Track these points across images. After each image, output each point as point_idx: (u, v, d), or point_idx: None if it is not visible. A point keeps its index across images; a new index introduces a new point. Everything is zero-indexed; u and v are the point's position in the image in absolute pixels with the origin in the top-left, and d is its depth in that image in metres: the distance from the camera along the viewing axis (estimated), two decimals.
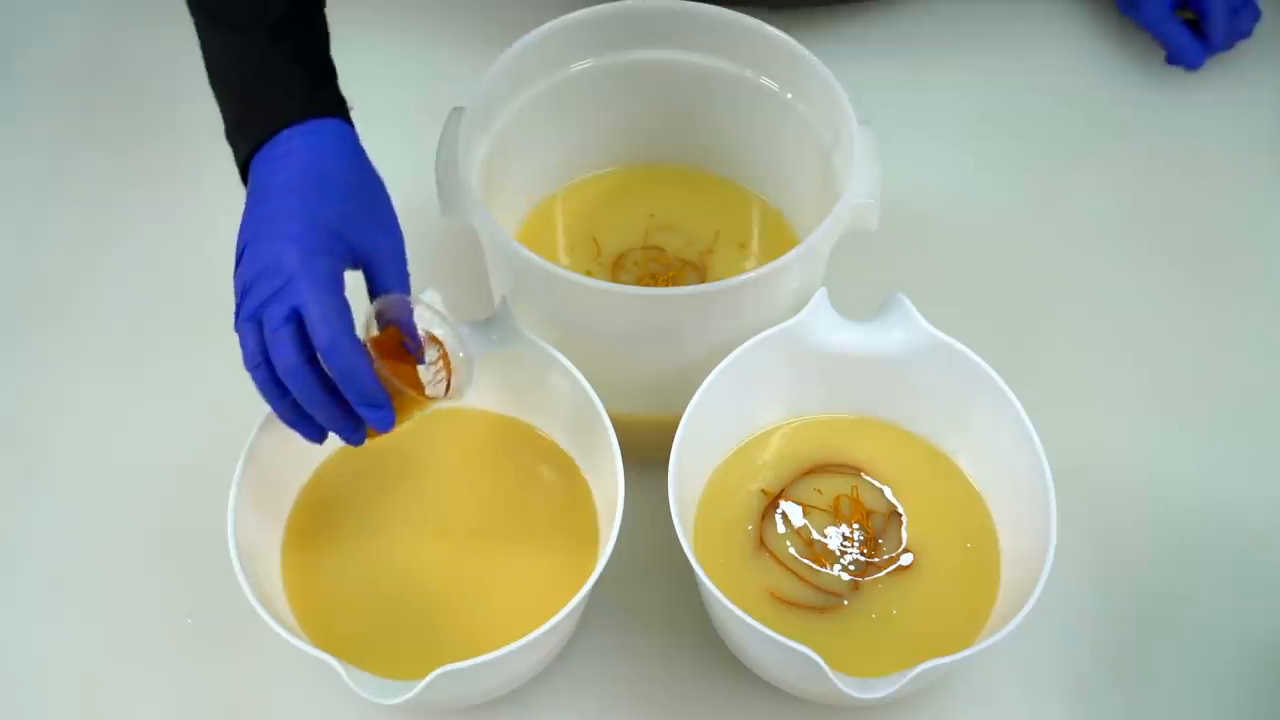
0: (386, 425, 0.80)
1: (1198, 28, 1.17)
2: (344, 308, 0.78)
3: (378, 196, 0.84)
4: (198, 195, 1.14)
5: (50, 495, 0.99)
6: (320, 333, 0.77)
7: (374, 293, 0.82)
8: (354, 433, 0.81)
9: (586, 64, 1.00)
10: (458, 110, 0.93)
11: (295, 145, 0.82)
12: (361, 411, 0.79)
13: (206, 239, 1.11)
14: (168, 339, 1.06)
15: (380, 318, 0.82)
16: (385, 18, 1.21)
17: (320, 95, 0.84)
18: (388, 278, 0.82)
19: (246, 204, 0.83)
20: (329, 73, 0.86)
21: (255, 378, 0.80)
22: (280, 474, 0.89)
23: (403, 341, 0.83)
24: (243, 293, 0.79)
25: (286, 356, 0.77)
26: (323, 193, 0.81)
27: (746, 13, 0.97)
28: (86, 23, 1.25)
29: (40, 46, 1.24)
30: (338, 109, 0.84)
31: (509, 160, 0.98)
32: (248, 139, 0.83)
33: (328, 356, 0.77)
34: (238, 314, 0.79)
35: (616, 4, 0.98)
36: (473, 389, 0.87)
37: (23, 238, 1.12)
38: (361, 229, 0.81)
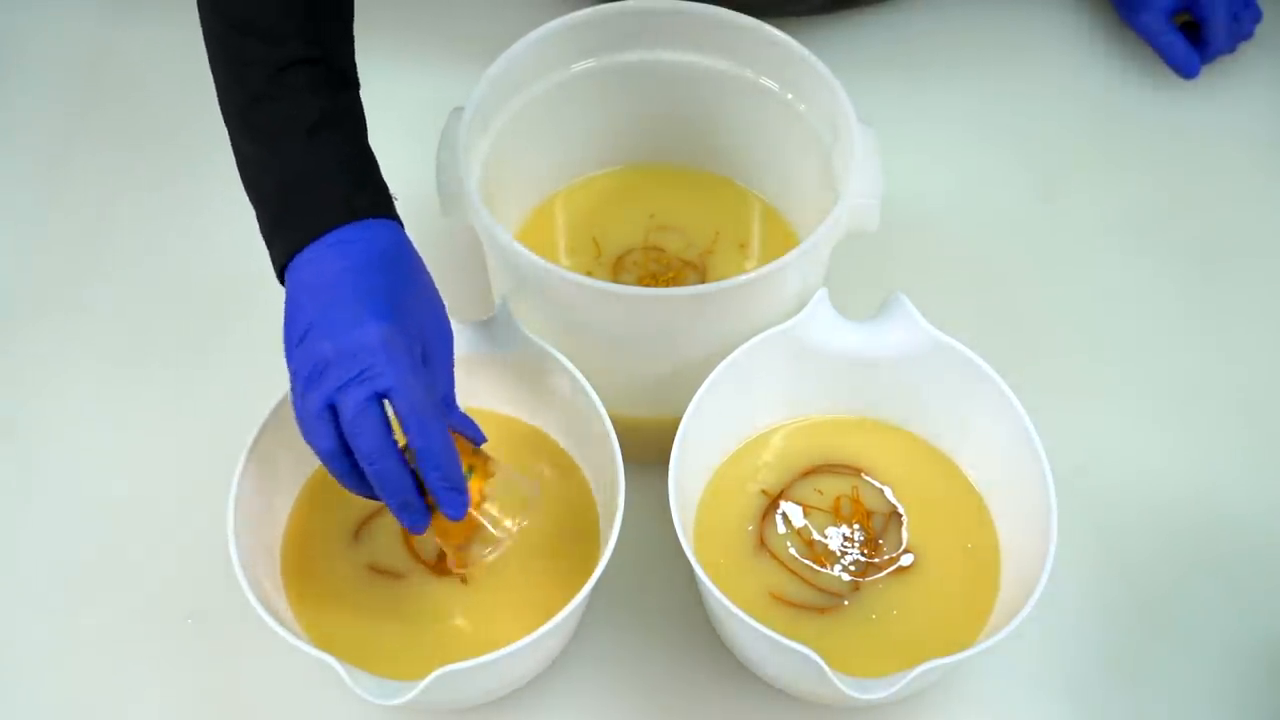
0: (460, 511, 0.79)
1: (1197, 33, 1.17)
2: (428, 390, 0.77)
3: (434, 292, 0.81)
4: (198, 195, 1.14)
5: (50, 495, 0.99)
6: (414, 415, 0.75)
7: None
8: (422, 518, 0.79)
9: (586, 64, 1.00)
10: (458, 110, 0.93)
11: (349, 236, 0.78)
12: (443, 494, 0.77)
13: (207, 239, 1.11)
14: (168, 339, 1.06)
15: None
16: (386, 18, 1.21)
17: (364, 197, 0.80)
18: (438, 383, 0.80)
19: (298, 291, 0.78)
20: (371, 170, 0.82)
21: (333, 468, 0.77)
22: (281, 474, 0.89)
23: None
24: (313, 376, 0.75)
25: (373, 442, 0.75)
26: (393, 276, 0.78)
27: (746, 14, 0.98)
28: (86, 23, 1.25)
29: (40, 46, 1.24)
30: (384, 209, 0.81)
31: (509, 160, 0.98)
32: (288, 241, 0.79)
33: (422, 436, 0.76)
34: (307, 400, 0.76)
35: (616, 4, 0.98)
36: (470, 396, 0.87)
37: (23, 238, 1.12)
38: (424, 318, 0.79)
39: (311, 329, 0.76)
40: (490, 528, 0.83)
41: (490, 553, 0.83)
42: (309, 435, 0.77)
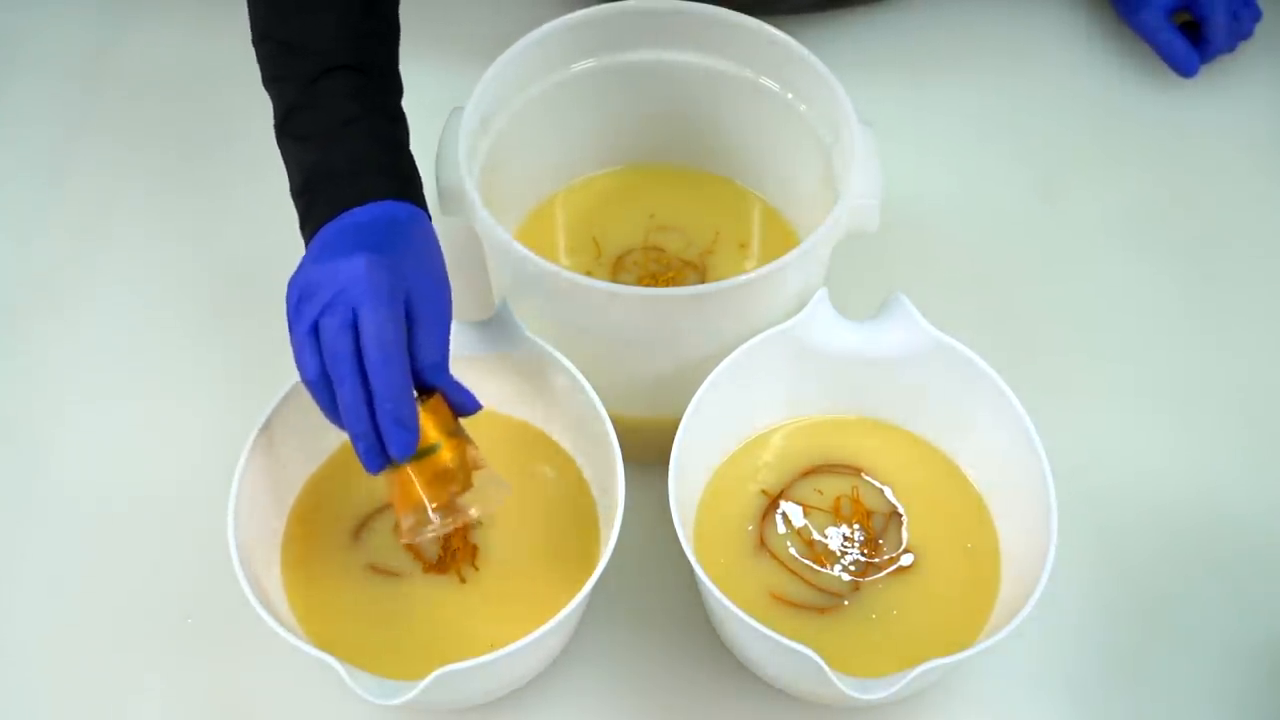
0: (406, 449, 0.79)
1: (1197, 32, 1.17)
2: (401, 327, 0.78)
3: (439, 265, 0.83)
4: (199, 194, 1.14)
5: (50, 495, 0.99)
6: (375, 344, 0.76)
7: (410, 353, 0.80)
8: (377, 456, 0.79)
9: (586, 64, 1.00)
10: (458, 110, 0.93)
11: (363, 212, 0.81)
12: (388, 427, 0.78)
13: (207, 239, 1.11)
14: (168, 338, 1.06)
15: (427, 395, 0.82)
16: None
17: (387, 182, 0.83)
18: (427, 345, 0.80)
19: (308, 249, 0.82)
20: (399, 158, 0.85)
21: (316, 396, 0.79)
22: (280, 474, 0.89)
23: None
24: (302, 299, 0.78)
25: (345, 367, 0.77)
26: (396, 236, 0.80)
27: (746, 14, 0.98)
28: (86, 23, 1.25)
29: (40, 46, 1.24)
30: (407, 195, 0.83)
31: (509, 160, 0.98)
32: (313, 227, 0.82)
33: (376, 367, 0.76)
34: (295, 323, 0.78)
35: (616, 4, 0.98)
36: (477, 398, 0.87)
37: (23, 237, 1.12)
38: (420, 279, 0.80)
39: (309, 260, 0.80)
40: (428, 501, 0.81)
41: (432, 530, 0.82)
42: (297, 360, 0.78)
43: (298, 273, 0.80)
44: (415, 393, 0.81)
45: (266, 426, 0.86)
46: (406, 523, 0.82)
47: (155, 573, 0.95)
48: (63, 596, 0.95)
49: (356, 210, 0.81)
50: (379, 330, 0.77)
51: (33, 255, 1.11)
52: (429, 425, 0.81)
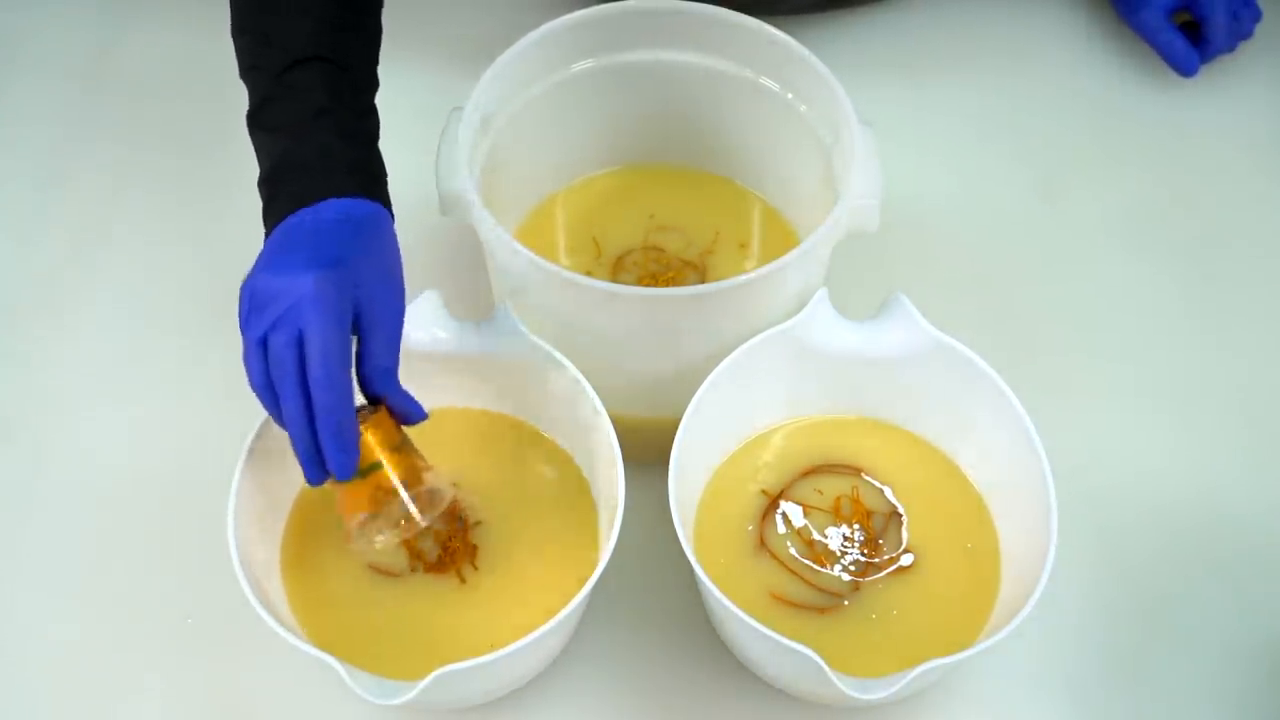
0: (345, 471, 0.79)
1: (1197, 32, 1.17)
2: (346, 346, 0.78)
3: (394, 271, 0.83)
4: (198, 194, 1.14)
5: (50, 495, 0.99)
6: (318, 363, 0.76)
7: (359, 360, 0.81)
8: (317, 470, 0.79)
9: (586, 64, 1.00)
10: (458, 110, 0.93)
11: (327, 205, 0.81)
12: (328, 448, 0.78)
13: (207, 238, 1.11)
14: (168, 339, 1.06)
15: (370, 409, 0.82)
16: (385, 18, 1.21)
17: (351, 178, 0.83)
18: (377, 352, 0.81)
19: (270, 239, 0.82)
20: (366, 153, 0.85)
21: (261, 399, 0.79)
22: (281, 473, 0.89)
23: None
24: (253, 309, 0.78)
25: (289, 384, 0.77)
26: (351, 241, 0.80)
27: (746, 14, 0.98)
28: (86, 23, 1.25)
29: (40, 46, 1.24)
30: (370, 191, 0.83)
31: (509, 160, 0.98)
32: (275, 218, 0.82)
33: (319, 386, 0.77)
34: (245, 331, 0.79)
35: (616, 4, 0.98)
36: (471, 396, 0.86)
37: (23, 237, 1.12)
38: (371, 289, 0.80)
39: (260, 266, 0.80)
40: (370, 516, 0.82)
41: (381, 540, 0.82)
42: (245, 363, 0.79)
43: (250, 278, 0.80)
44: (364, 401, 0.81)
45: (265, 427, 0.86)
46: (351, 532, 0.82)
47: (155, 573, 0.95)
48: (63, 596, 0.95)
49: (317, 207, 0.81)
50: (323, 350, 0.77)
51: (33, 255, 1.11)
52: (373, 442, 0.81)
